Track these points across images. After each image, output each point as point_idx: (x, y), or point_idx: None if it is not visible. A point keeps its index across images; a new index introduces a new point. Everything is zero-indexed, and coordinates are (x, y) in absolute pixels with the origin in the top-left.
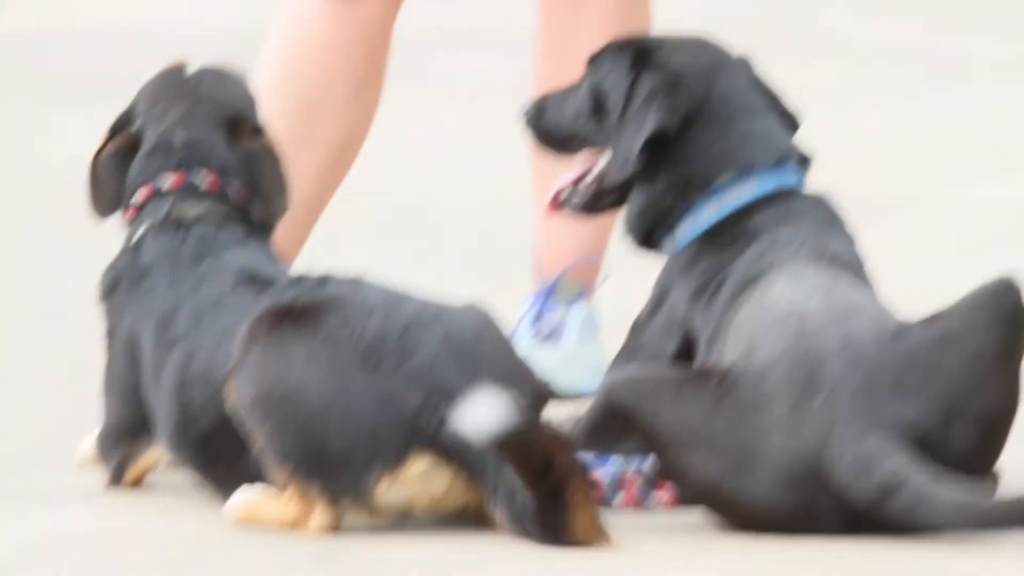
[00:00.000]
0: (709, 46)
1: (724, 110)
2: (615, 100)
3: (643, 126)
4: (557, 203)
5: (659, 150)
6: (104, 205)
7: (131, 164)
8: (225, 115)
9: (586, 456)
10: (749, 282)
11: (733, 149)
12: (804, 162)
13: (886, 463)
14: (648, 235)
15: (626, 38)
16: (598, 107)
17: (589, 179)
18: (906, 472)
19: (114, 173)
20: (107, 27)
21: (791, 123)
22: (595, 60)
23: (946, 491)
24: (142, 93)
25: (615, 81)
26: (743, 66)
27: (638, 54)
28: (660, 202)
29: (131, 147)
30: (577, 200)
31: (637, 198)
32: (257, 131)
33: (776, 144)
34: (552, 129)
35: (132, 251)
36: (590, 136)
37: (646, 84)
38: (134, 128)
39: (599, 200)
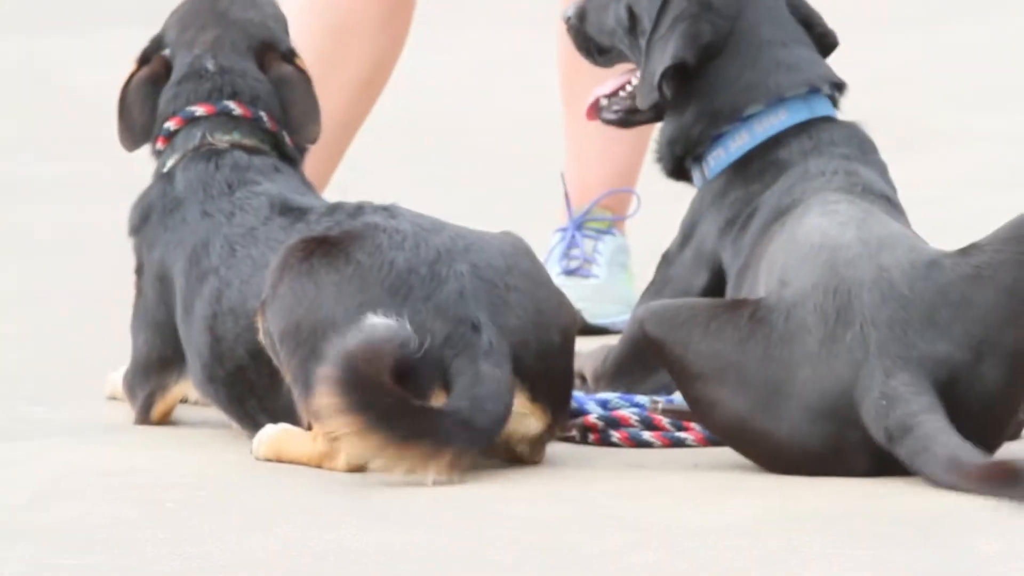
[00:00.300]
0: None
1: (752, 39)
2: (645, 22)
3: (664, 55)
4: (594, 111)
5: (686, 78)
6: (135, 135)
7: (161, 92)
8: (255, 40)
9: (582, 398)
10: (780, 214)
11: (762, 79)
12: (839, 88)
13: (904, 404)
14: (678, 165)
15: None
16: (632, 24)
17: (623, 93)
18: (918, 417)
19: (144, 101)
20: None
21: (828, 44)
22: None
23: (945, 445)
24: (172, 18)
25: (647, 1)
26: None
27: None
28: (690, 132)
29: (162, 74)
30: (612, 112)
31: (667, 127)
32: (288, 56)
33: (807, 73)
34: (592, 37)
35: (164, 181)
36: (625, 52)
37: (673, 9)
38: (165, 54)
39: (632, 116)
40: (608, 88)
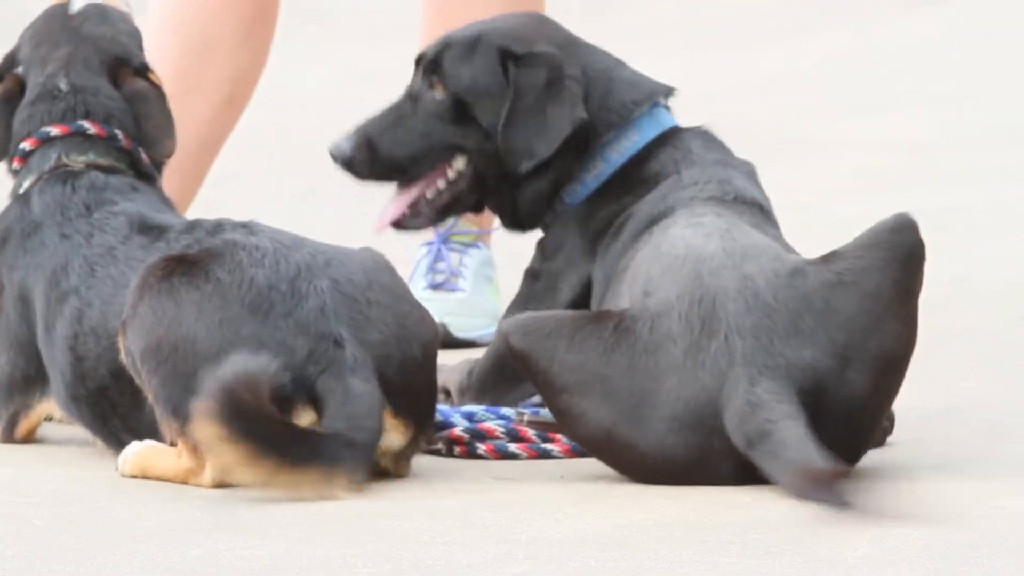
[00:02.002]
0: (546, 21)
1: (600, 78)
2: (494, 102)
3: (560, 120)
4: (398, 225)
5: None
6: None
7: (14, 109)
8: (108, 56)
9: (448, 411)
10: (651, 223)
11: (609, 109)
12: (668, 94)
13: (765, 411)
14: (539, 218)
15: (461, 37)
16: (462, 112)
17: (431, 195)
18: (777, 424)
19: None
20: None
21: None
22: (436, 69)
23: (797, 451)
24: (25, 34)
25: (486, 82)
26: (561, 29)
27: (501, 52)
28: (556, 182)
29: (15, 92)
30: (424, 217)
31: (527, 187)
32: (141, 71)
33: (650, 89)
34: (391, 158)
35: (21, 203)
36: (450, 146)
37: (528, 77)
38: (18, 72)
39: (454, 206)
40: (401, 205)
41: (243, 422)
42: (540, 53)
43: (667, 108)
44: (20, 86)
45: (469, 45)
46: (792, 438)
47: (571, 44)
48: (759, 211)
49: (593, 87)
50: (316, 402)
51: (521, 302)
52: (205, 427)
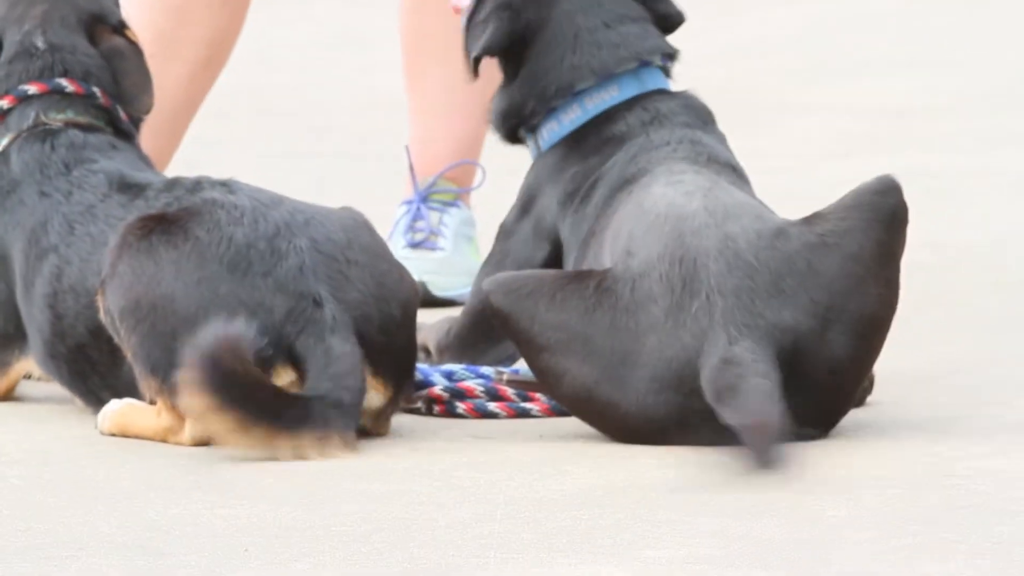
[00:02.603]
0: None
1: (569, 27)
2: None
3: (477, 43)
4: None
5: (511, 57)
6: None
7: None
8: (85, 13)
9: (428, 369)
10: (624, 184)
11: (586, 60)
12: (671, 57)
13: (738, 367)
14: (512, 133)
15: None
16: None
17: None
18: (747, 379)
19: None
20: None
21: (672, 23)
22: None
23: (755, 402)
24: None
25: None
26: None
27: None
28: (522, 107)
29: None
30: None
31: (499, 99)
32: (119, 28)
33: (634, 48)
34: None
35: (0, 162)
36: None
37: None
38: None
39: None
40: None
41: (231, 390)
42: None
43: (662, 69)
44: None
45: None
46: (756, 393)
47: None
48: (732, 172)
49: (567, 37)
50: (296, 362)
51: (495, 261)
52: (193, 398)
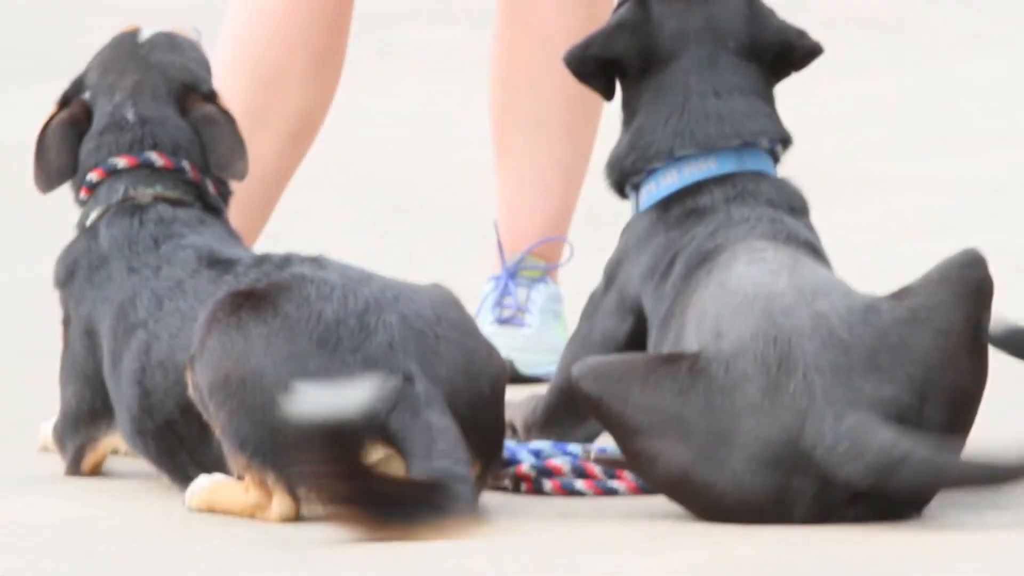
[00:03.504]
0: (711, 1)
1: (681, 87)
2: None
3: (604, 37)
4: None
5: (630, 90)
6: (49, 178)
7: (81, 136)
8: (176, 83)
9: (515, 447)
10: (701, 261)
11: (689, 128)
12: (784, 142)
13: (877, 439)
14: (619, 186)
15: None
16: None
17: None
18: (904, 444)
19: (62, 144)
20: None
21: (804, 57)
22: None
23: (948, 456)
24: (94, 60)
25: None
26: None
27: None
28: (624, 160)
29: (81, 118)
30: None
31: (615, 147)
32: (210, 97)
33: (740, 127)
34: None
35: (89, 235)
36: None
37: (624, 11)
38: (85, 98)
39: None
40: None
41: (349, 498)
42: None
43: (771, 152)
44: (87, 112)
45: None
46: (932, 448)
47: (705, 40)
48: (812, 251)
49: (677, 97)
50: (388, 438)
51: (581, 337)
52: (317, 502)
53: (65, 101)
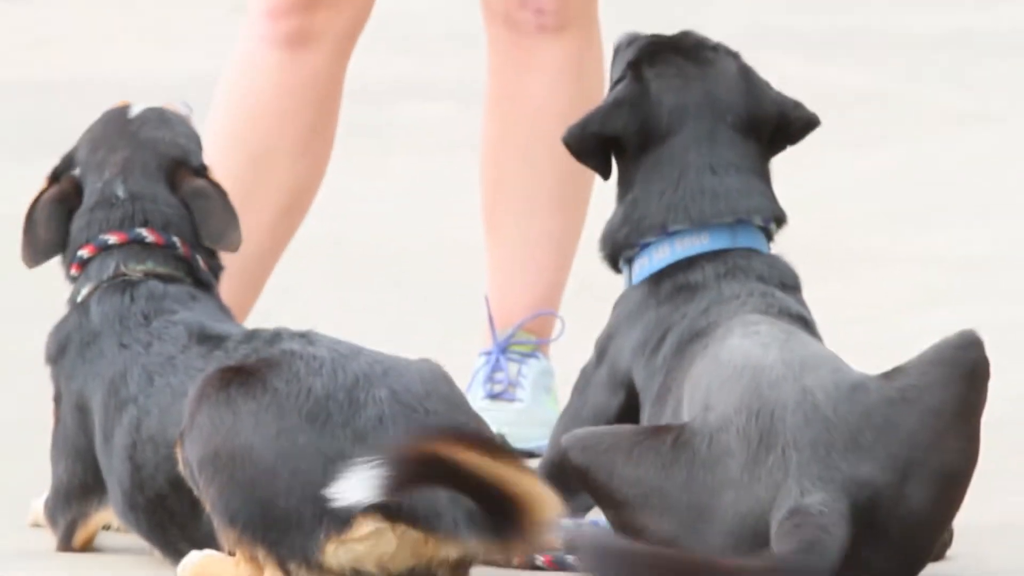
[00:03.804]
0: (708, 76)
1: (678, 161)
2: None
3: (603, 115)
4: None
5: (626, 163)
6: (36, 253)
7: (70, 212)
8: (166, 159)
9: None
10: (694, 337)
11: (683, 203)
12: (778, 221)
13: (799, 518)
14: (613, 259)
15: (645, 37)
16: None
17: None
18: (801, 529)
19: (50, 220)
20: (71, 78)
21: (800, 129)
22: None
23: (791, 559)
24: (84, 137)
25: (616, 72)
26: (736, 93)
27: (635, 61)
28: (617, 233)
29: (70, 193)
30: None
31: (609, 219)
32: (200, 171)
33: (735, 204)
34: None
35: (79, 312)
36: None
37: (618, 84)
38: (75, 174)
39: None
40: None
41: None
42: (650, 78)
43: (764, 230)
44: (77, 189)
45: (632, 40)
46: (806, 545)
47: (703, 115)
48: (804, 325)
49: (673, 172)
50: (379, 509)
51: (573, 410)
52: None
53: (55, 177)
